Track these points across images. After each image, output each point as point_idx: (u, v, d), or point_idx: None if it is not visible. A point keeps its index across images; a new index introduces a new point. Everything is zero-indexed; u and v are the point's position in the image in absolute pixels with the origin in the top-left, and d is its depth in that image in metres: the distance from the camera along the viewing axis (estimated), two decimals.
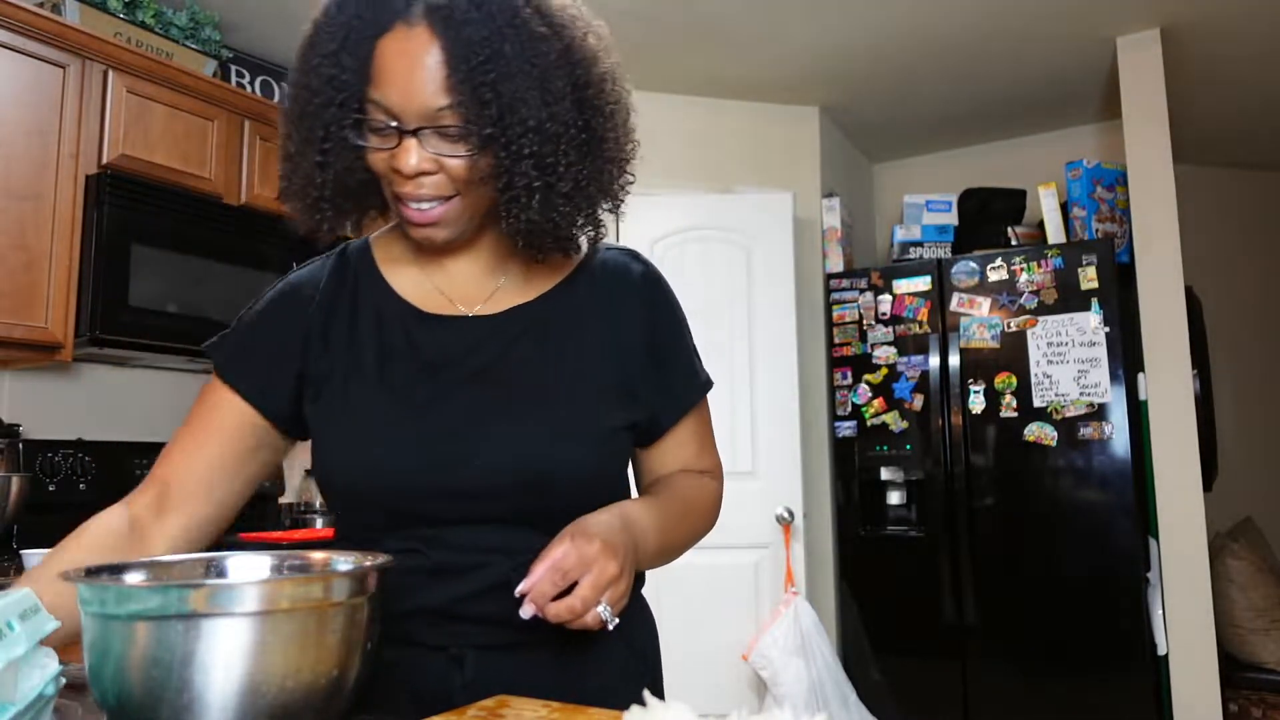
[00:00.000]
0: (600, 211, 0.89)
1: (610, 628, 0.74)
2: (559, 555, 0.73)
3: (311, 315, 0.92)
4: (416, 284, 0.93)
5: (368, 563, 0.68)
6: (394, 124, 0.79)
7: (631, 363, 0.92)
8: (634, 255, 1.00)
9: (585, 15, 0.86)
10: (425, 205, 0.82)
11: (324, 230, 0.89)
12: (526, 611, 0.73)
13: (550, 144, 0.79)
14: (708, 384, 1.01)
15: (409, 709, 0.83)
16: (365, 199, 0.89)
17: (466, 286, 0.93)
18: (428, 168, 0.80)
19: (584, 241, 0.94)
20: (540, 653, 0.86)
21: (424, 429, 0.85)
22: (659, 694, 0.95)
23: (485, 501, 0.84)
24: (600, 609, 0.73)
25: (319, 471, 0.90)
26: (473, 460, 0.84)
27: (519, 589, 0.73)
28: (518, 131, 0.77)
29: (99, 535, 0.85)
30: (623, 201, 0.90)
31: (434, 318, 0.91)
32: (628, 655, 0.93)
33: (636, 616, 0.97)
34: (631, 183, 0.91)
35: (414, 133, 0.78)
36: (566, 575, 0.73)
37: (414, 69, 0.77)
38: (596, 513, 0.81)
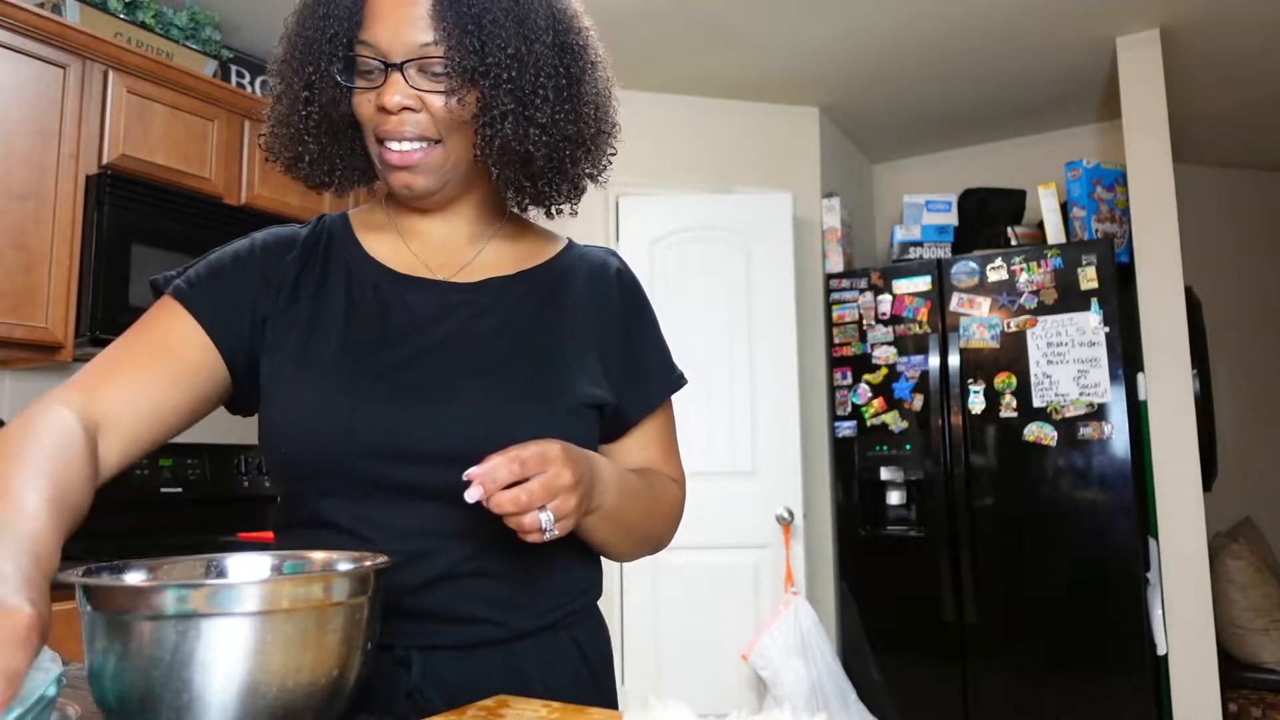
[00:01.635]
0: (579, 173, 0.90)
1: (546, 537, 0.71)
2: (519, 448, 0.72)
3: (284, 266, 0.90)
4: (393, 249, 0.93)
5: (368, 563, 0.68)
6: (380, 62, 0.82)
7: (605, 349, 0.93)
8: (612, 253, 1.02)
9: None
10: (407, 146, 0.84)
11: (304, 166, 0.89)
12: (472, 495, 0.70)
13: (529, 74, 0.82)
14: (679, 381, 1.00)
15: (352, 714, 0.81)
16: (348, 143, 0.90)
17: (443, 254, 0.93)
18: (411, 104, 0.82)
19: (565, 209, 0.94)
20: (489, 654, 0.85)
21: (382, 387, 0.84)
22: (610, 704, 0.94)
23: (436, 465, 0.80)
24: (543, 515, 0.71)
25: (266, 428, 0.85)
26: (428, 420, 0.82)
27: (468, 472, 0.70)
28: (496, 60, 0.81)
29: (62, 446, 0.73)
30: (605, 169, 0.93)
31: (406, 278, 0.90)
32: (579, 662, 0.91)
33: (593, 628, 0.96)
34: (614, 155, 0.94)
35: (399, 68, 0.81)
36: (524, 466, 0.70)
37: (401, 7, 0.81)
38: None
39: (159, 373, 0.83)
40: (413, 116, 0.83)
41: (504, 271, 0.93)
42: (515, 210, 0.98)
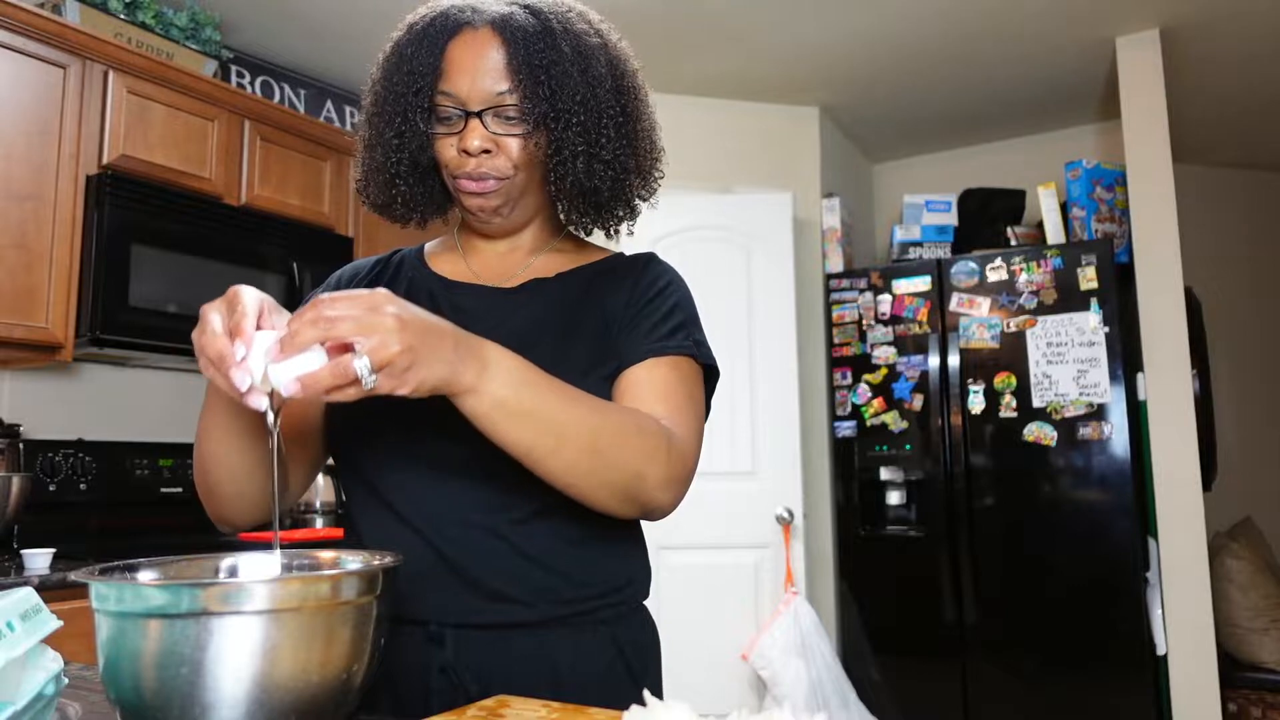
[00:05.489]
0: (635, 197, 1.00)
1: (366, 386, 0.66)
2: (333, 296, 0.68)
3: (354, 287, 1.02)
4: (454, 265, 1.03)
5: (376, 562, 0.69)
6: (460, 110, 0.91)
7: (618, 320, 0.97)
8: (651, 254, 1.07)
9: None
10: (484, 183, 0.93)
11: (398, 206, 1.00)
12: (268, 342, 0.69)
13: (593, 117, 0.92)
14: (686, 351, 0.94)
15: (383, 686, 0.83)
16: (431, 183, 1.00)
17: (497, 269, 1.02)
18: (489, 147, 0.91)
19: (623, 229, 1.03)
20: (521, 639, 0.87)
21: None
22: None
23: (463, 442, 0.83)
24: (358, 362, 0.65)
25: (326, 412, 0.98)
26: None
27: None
28: (566, 106, 0.90)
29: None
30: (654, 191, 1.03)
31: (458, 285, 1.00)
32: (615, 658, 0.92)
33: (637, 627, 0.97)
34: (661, 178, 1.04)
35: (479, 115, 0.90)
36: (333, 323, 0.66)
37: (479, 60, 0.90)
38: None
39: (301, 422, 0.99)
40: (490, 160, 0.91)
41: (547, 275, 1.01)
42: (576, 231, 1.06)
